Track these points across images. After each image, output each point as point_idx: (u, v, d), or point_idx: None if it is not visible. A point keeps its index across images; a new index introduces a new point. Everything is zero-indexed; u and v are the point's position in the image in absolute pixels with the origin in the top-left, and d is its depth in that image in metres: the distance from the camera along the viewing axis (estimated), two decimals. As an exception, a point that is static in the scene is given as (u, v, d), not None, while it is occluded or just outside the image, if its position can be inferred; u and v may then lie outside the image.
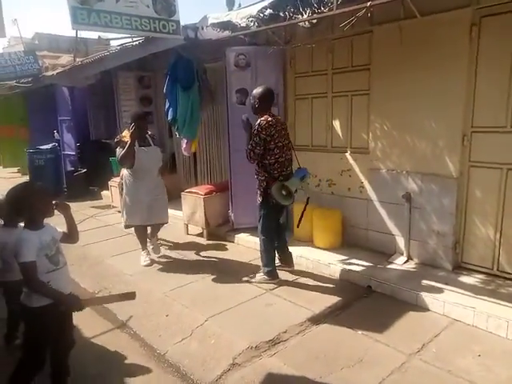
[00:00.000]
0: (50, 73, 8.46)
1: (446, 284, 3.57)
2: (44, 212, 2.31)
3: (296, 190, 3.87)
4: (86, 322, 3.46)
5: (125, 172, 4.56)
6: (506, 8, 3.27)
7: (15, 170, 10.96)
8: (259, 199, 3.88)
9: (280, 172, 3.79)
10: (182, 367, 2.83)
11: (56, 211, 2.38)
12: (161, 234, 5.68)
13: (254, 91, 3.86)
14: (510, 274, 3.60)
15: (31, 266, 2.16)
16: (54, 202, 2.35)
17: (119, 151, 4.32)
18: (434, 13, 3.58)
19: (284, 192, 3.75)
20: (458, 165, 3.73)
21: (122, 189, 4.61)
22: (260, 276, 4.01)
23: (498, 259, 3.64)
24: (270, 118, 3.72)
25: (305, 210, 4.12)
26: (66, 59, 12.55)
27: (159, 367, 2.87)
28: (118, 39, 6.26)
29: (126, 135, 4.38)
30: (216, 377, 2.70)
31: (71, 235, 2.54)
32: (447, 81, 3.69)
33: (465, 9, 3.49)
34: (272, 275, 3.98)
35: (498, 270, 3.66)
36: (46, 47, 19.83)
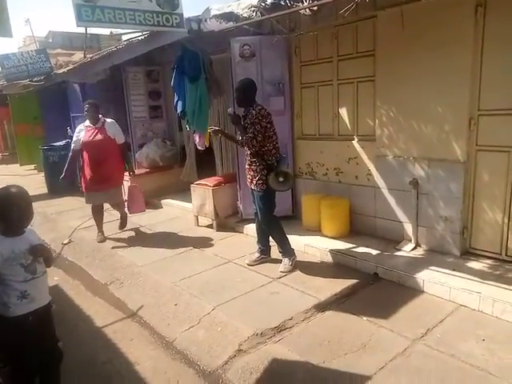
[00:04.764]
0: (61, 70, 8.58)
1: (454, 270, 3.54)
2: (18, 219, 2.14)
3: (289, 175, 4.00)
4: (97, 312, 3.60)
5: None
6: (512, -14, 3.19)
7: (32, 167, 11.20)
8: (262, 187, 3.91)
9: (276, 158, 3.94)
10: (190, 354, 2.90)
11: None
12: (171, 225, 5.80)
13: (239, 83, 4.03)
14: (519, 258, 3.56)
15: None
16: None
17: None
18: (438, -6, 3.51)
19: (281, 178, 3.86)
20: (465, 149, 3.68)
21: None
22: (288, 263, 4.05)
23: (507, 244, 3.59)
24: (265, 107, 3.91)
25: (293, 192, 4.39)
26: (79, 56, 12.63)
27: (167, 354, 2.94)
28: (127, 33, 6.26)
29: None
30: (222, 363, 2.76)
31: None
32: (452, 64, 3.62)
33: (469, -11, 3.41)
34: (294, 253, 4.13)
35: (506, 255, 3.61)
36: (59, 45, 19.99)
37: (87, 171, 5.06)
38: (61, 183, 5.15)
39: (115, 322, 3.43)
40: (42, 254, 2.21)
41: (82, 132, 5.08)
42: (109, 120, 5.20)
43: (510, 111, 3.40)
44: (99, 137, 5.01)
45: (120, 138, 5.20)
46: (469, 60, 3.54)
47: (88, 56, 7.66)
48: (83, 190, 5.22)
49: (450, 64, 3.64)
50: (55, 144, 8.43)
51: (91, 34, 14.07)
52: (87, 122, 5.10)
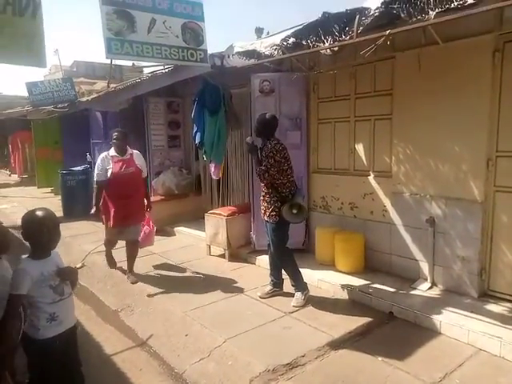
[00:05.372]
0: (84, 98, 8.90)
1: (472, 312, 3.45)
2: (48, 241, 2.18)
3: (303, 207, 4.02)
4: (107, 339, 3.56)
5: None
6: (530, 33, 3.28)
7: (49, 190, 11.42)
8: (275, 219, 3.93)
9: (290, 191, 3.98)
10: (199, 387, 2.84)
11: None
12: (184, 253, 5.80)
13: (261, 117, 4.10)
14: (540, 303, 3.46)
15: (16, 299, 2.05)
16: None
17: None
18: (456, 39, 3.60)
19: (294, 210, 3.89)
20: (483, 189, 3.67)
21: None
22: (301, 297, 4.01)
23: (527, 288, 3.51)
24: (281, 142, 4.01)
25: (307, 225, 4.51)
26: (100, 85, 13.16)
27: (176, 386, 2.88)
28: (150, 66, 6.53)
29: None
30: (232, 398, 2.69)
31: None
32: (470, 106, 3.67)
33: (487, 35, 3.50)
34: (307, 287, 4.09)
35: (527, 299, 3.52)
36: (82, 74, 20.80)
37: (113, 206, 4.60)
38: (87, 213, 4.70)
39: (125, 351, 3.38)
40: (69, 277, 2.25)
41: (109, 162, 4.60)
42: (135, 151, 4.86)
43: (528, 153, 3.42)
44: (131, 169, 4.64)
45: (145, 172, 4.91)
46: (486, 102, 3.59)
47: (112, 86, 7.96)
48: (108, 223, 4.75)
49: (467, 106, 3.69)
50: (74, 169, 8.63)
51: (114, 65, 14.64)
52: (112, 152, 4.65)
